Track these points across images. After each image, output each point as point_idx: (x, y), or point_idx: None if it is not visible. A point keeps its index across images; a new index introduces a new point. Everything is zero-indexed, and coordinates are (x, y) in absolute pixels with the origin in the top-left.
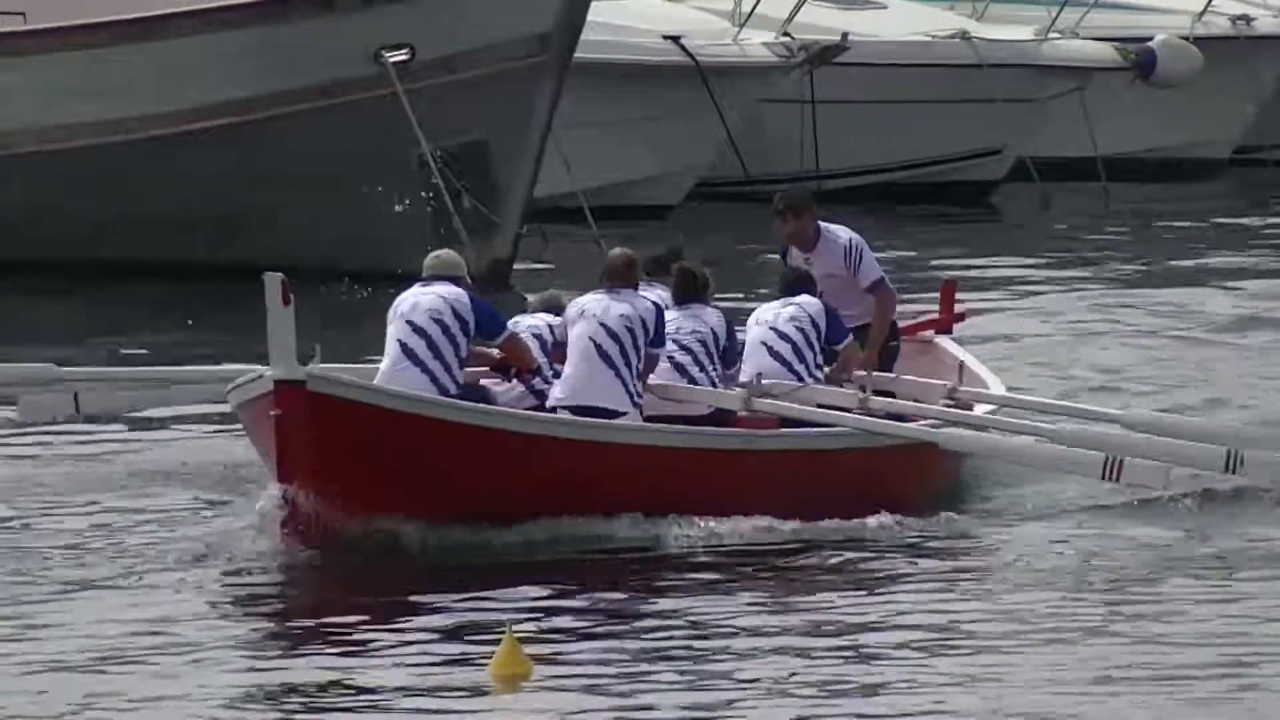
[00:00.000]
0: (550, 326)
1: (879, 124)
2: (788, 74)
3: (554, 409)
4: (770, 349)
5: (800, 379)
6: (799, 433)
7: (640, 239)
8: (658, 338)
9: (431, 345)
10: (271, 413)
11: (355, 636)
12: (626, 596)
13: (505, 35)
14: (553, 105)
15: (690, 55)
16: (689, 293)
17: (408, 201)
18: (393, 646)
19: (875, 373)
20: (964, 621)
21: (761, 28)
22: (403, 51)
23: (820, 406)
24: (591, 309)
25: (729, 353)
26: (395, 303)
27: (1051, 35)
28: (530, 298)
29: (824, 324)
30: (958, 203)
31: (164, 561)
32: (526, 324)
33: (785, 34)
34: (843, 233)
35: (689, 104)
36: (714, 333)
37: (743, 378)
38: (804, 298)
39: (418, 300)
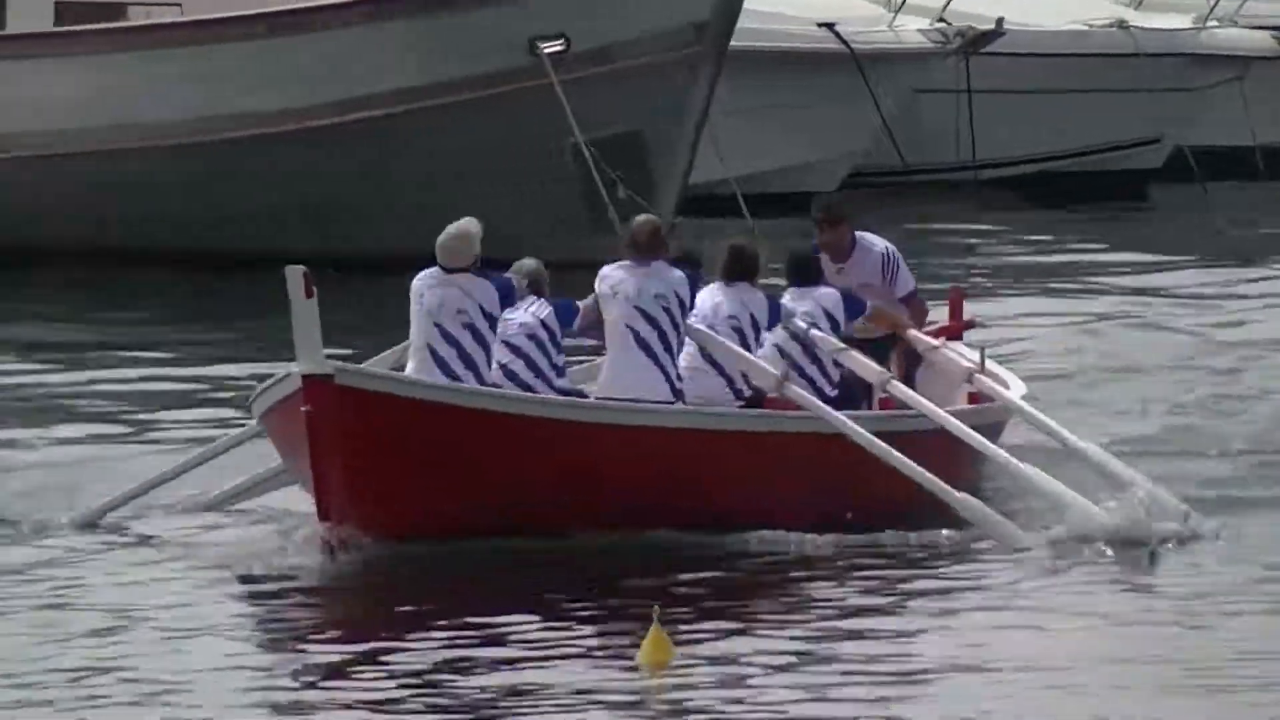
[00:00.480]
0: (543, 323)
1: (1036, 113)
2: (943, 61)
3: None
4: (782, 350)
5: (812, 381)
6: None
7: (794, 227)
8: (693, 304)
9: (463, 355)
10: (301, 408)
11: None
12: (727, 587)
13: (661, 25)
14: (708, 95)
15: (845, 42)
16: (734, 272)
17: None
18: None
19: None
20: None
21: (916, 14)
22: (558, 42)
23: (845, 383)
24: (624, 289)
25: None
26: (417, 290)
27: (1210, 24)
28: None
29: (841, 315)
30: (1115, 192)
31: (212, 568)
32: (519, 322)
33: (941, 19)
34: (878, 242)
35: (844, 91)
36: (753, 318)
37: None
38: (820, 290)
39: (445, 299)
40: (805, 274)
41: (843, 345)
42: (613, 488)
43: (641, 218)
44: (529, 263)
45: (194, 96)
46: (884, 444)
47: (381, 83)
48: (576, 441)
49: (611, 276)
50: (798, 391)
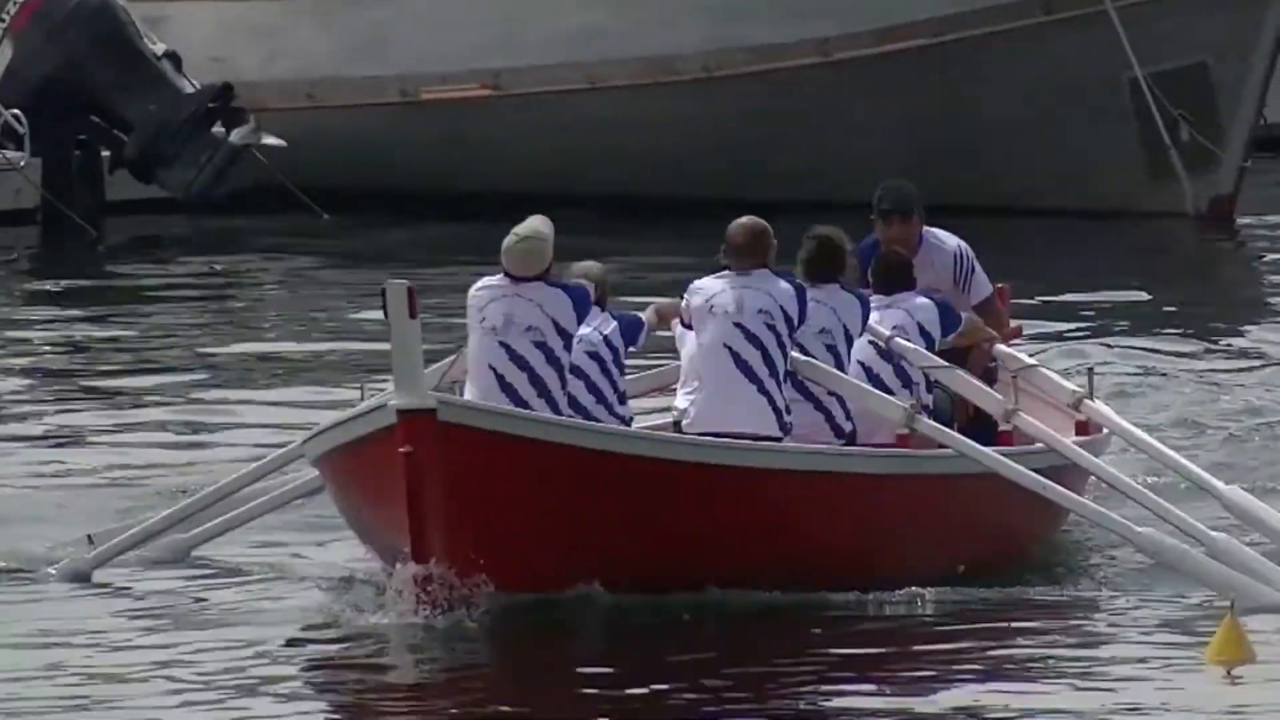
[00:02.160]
0: (606, 340)
1: None
2: None
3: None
4: (869, 371)
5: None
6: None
7: None
8: (802, 321)
9: (535, 379)
10: (401, 449)
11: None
12: None
13: None
14: None
15: None
16: (819, 270)
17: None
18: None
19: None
20: None
21: None
22: None
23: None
24: (722, 303)
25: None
26: (478, 303)
27: None
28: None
29: (937, 332)
30: None
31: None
32: (578, 337)
33: None
34: (949, 239)
35: None
36: (846, 330)
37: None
38: (912, 300)
39: (511, 313)
40: (897, 280)
41: (946, 363)
42: (762, 540)
43: (743, 220)
44: (593, 268)
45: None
46: (1059, 486)
47: (931, 8)
48: (729, 491)
49: (705, 288)
50: (932, 426)
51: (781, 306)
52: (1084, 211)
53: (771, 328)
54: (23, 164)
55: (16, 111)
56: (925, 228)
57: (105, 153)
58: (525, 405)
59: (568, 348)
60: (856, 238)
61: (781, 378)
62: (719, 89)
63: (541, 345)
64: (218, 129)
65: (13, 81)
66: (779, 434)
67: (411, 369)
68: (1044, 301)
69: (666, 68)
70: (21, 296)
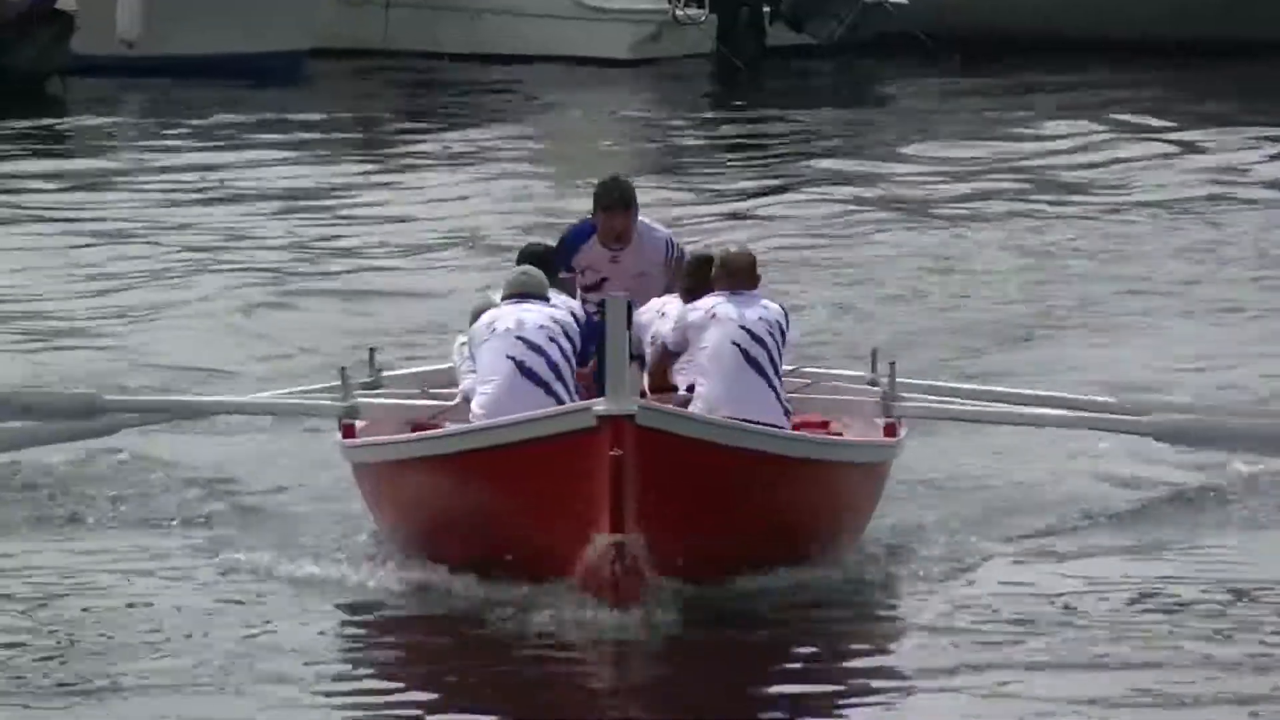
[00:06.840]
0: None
1: None
2: None
3: None
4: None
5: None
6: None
7: None
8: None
9: (552, 364)
10: (612, 452)
11: None
12: None
13: None
14: None
15: None
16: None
17: None
18: None
19: None
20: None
21: None
22: None
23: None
24: (724, 312)
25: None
26: (486, 321)
27: None
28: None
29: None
30: None
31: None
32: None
33: None
34: (660, 228)
35: None
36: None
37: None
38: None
39: (522, 318)
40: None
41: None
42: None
43: (735, 248)
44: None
45: None
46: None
47: None
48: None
49: (702, 305)
50: (918, 404)
51: (777, 320)
52: None
53: (771, 334)
54: (703, 19)
55: None
56: (639, 217)
57: (766, 8)
58: (546, 386)
59: (574, 355)
60: None
61: (781, 378)
62: None
63: (555, 341)
64: None
65: None
66: (786, 424)
67: (620, 377)
68: None
69: None
70: (693, 107)
